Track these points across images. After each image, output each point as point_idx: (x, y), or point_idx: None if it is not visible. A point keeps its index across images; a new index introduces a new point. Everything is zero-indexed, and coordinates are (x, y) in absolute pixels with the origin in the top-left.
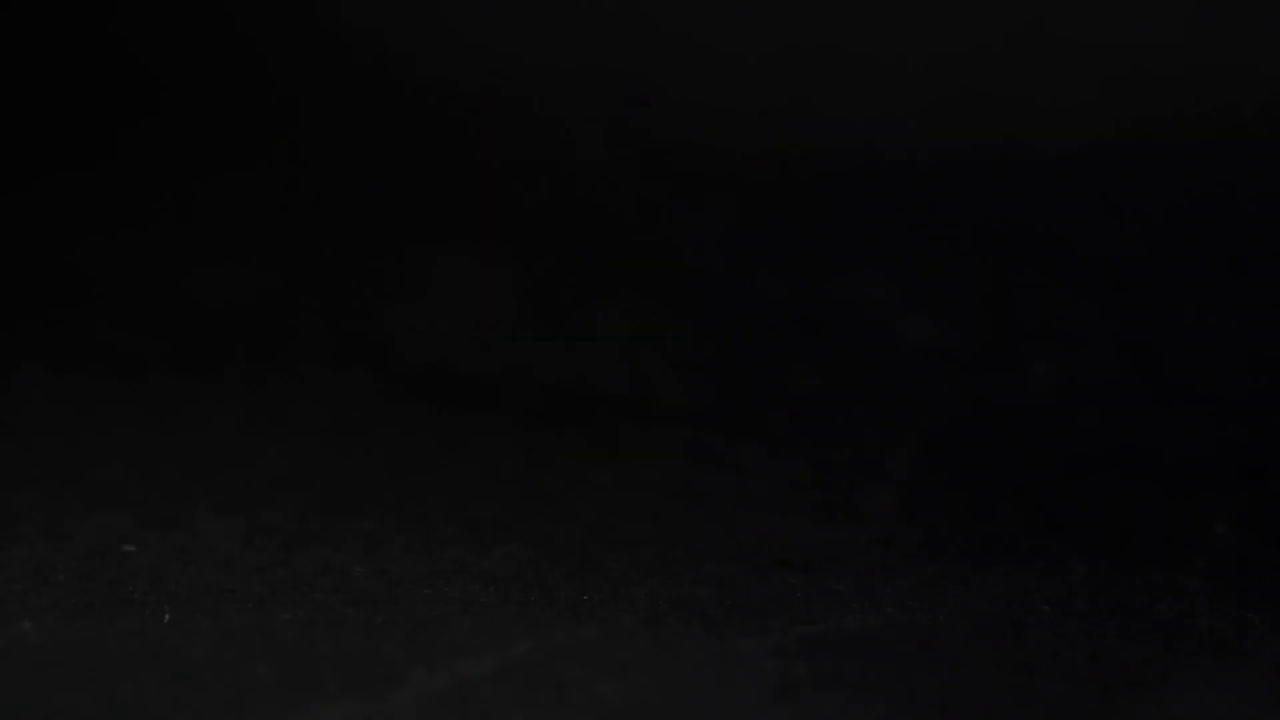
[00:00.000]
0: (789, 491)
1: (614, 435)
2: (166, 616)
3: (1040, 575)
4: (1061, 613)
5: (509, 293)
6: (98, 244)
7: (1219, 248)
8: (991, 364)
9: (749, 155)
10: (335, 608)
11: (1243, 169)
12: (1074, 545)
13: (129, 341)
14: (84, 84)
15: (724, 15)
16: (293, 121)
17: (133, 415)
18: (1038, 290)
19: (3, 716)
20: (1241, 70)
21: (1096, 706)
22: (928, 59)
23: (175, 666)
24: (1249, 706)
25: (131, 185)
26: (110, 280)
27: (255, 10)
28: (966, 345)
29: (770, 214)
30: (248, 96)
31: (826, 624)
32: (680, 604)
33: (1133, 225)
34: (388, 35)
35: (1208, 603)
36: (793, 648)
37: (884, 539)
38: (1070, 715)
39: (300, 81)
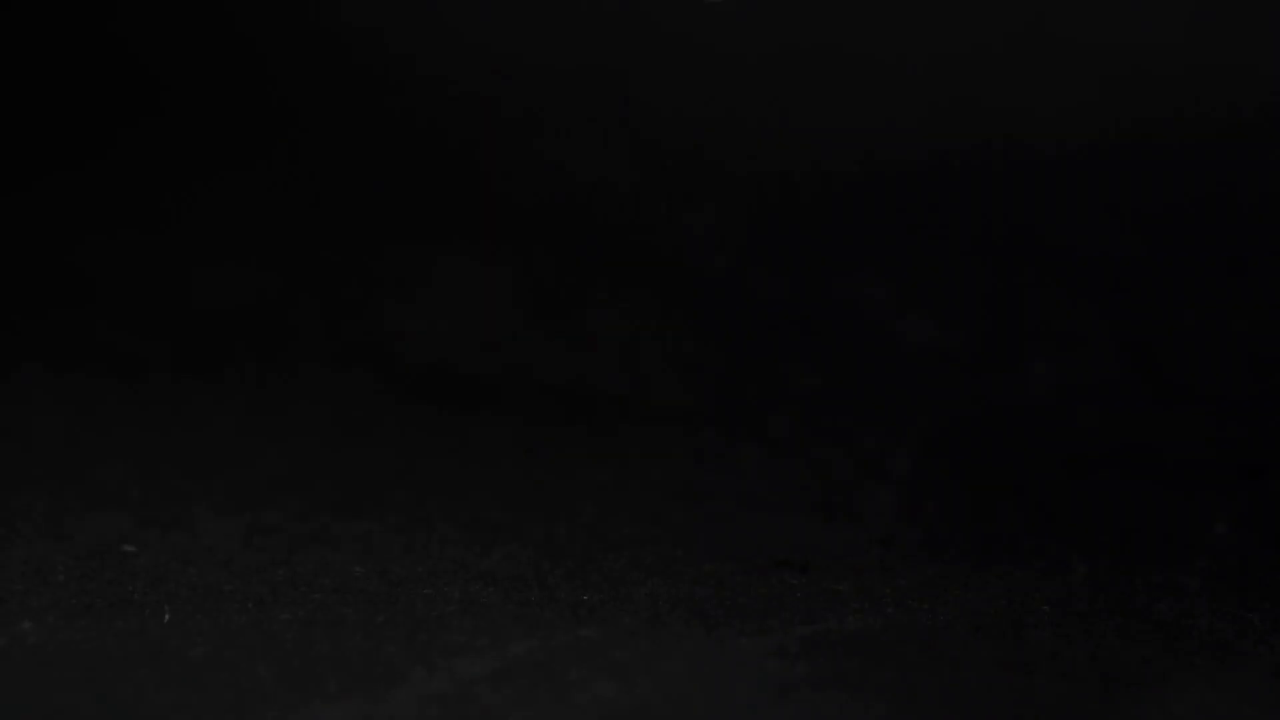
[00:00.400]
0: (789, 491)
1: (614, 435)
2: (166, 616)
3: (1040, 575)
4: (1061, 613)
5: (509, 293)
6: (98, 244)
7: (1219, 248)
8: (991, 364)
9: (750, 156)
10: (335, 608)
11: (1243, 169)
12: (1074, 545)
13: (129, 341)
14: (84, 84)
15: (725, 16)
16: (293, 122)
17: (133, 415)
18: (1038, 290)
19: (3, 716)
20: (1241, 70)
21: (1096, 706)
22: (928, 60)
23: (175, 666)
24: (1249, 706)
25: (132, 185)
26: (110, 280)
27: (255, 11)
28: (966, 345)
29: (770, 214)
30: (248, 97)
31: (826, 624)
32: (680, 604)
33: (1133, 225)
34: (388, 36)
35: (1208, 603)
36: (793, 648)
37: (884, 539)
38: (1070, 715)
39: (300, 82)
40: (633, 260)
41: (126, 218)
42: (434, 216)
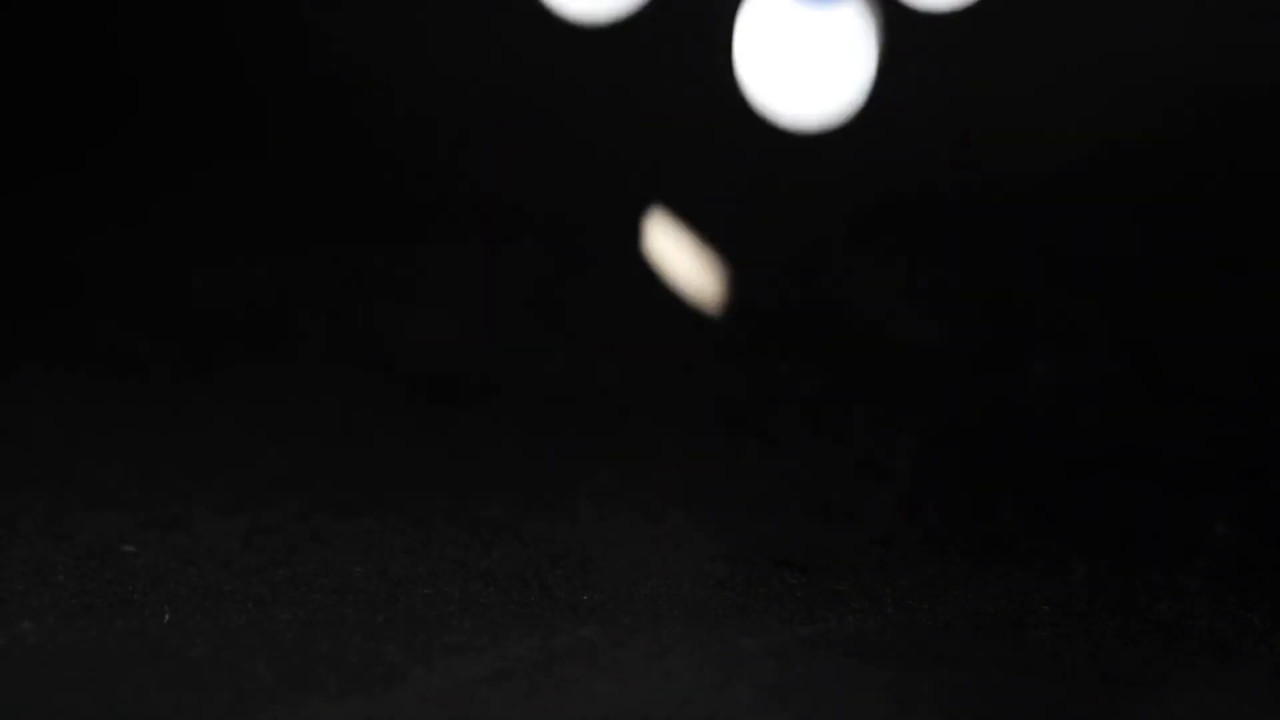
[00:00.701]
0: (789, 491)
1: (614, 435)
2: (166, 616)
3: (1040, 575)
4: (1061, 613)
5: (509, 293)
6: (97, 244)
7: (1219, 247)
8: (991, 364)
9: (750, 156)
10: (335, 608)
11: (1243, 168)
12: (1074, 545)
13: (129, 341)
14: (85, 84)
15: (723, 19)
16: (294, 121)
17: (133, 415)
18: (1038, 290)
19: (3, 716)
20: (1242, 69)
21: (1096, 706)
22: (926, 59)
23: (175, 666)
24: (1249, 706)
25: (132, 185)
26: (110, 280)
27: (255, 12)
28: (966, 345)
29: (771, 213)
30: (248, 99)
31: (826, 624)
32: (680, 604)
33: (1133, 225)
34: (389, 37)
35: (1208, 603)
36: (793, 648)
37: (884, 539)
38: (1070, 715)
39: (301, 83)
40: (634, 260)
41: (126, 217)
42: (434, 216)
